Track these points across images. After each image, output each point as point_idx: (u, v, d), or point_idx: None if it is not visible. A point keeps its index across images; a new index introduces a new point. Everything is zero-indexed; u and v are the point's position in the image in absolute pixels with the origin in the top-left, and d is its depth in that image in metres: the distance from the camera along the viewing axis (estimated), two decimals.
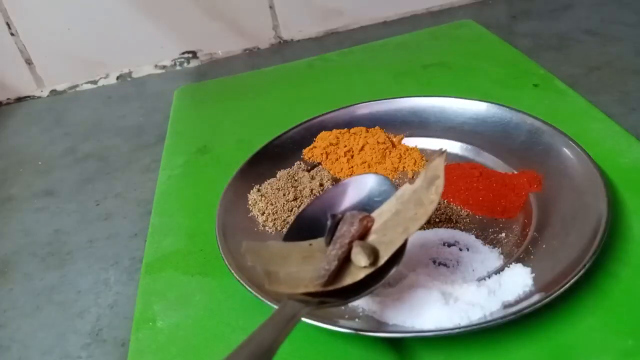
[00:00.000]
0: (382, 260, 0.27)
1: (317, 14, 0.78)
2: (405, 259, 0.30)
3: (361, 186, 0.33)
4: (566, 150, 0.39)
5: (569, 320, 0.29)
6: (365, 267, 0.27)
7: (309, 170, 0.44)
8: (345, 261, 0.28)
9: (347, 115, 0.49)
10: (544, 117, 0.43)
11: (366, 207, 0.31)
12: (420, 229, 0.34)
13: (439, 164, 0.28)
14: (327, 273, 0.27)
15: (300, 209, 0.39)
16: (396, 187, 0.31)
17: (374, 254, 0.27)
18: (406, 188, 0.29)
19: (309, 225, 0.31)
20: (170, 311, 0.35)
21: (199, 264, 0.38)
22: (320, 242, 0.30)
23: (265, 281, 0.27)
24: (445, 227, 0.37)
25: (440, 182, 0.28)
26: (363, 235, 0.29)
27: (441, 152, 0.28)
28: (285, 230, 0.39)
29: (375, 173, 0.34)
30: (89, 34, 0.73)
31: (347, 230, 0.29)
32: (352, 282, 0.27)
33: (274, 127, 0.48)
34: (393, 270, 0.27)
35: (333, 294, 0.27)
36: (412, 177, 0.43)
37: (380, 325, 0.29)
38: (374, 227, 0.29)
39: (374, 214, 0.30)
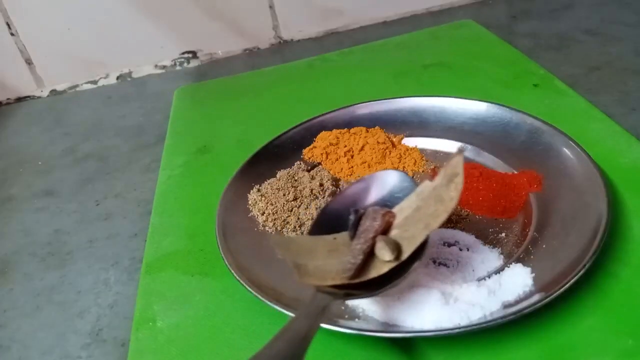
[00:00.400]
0: (405, 255, 0.28)
1: (317, 14, 0.78)
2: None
3: (382, 182, 0.34)
4: (566, 150, 0.39)
5: (569, 320, 0.29)
6: (389, 261, 0.28)
7: (309, 170, 0.44)
8: (369, 255, 0.29)
9: (347, 115, 0.49)
10: (544, 117, 0.43)
11: (387, 202, 0.32)
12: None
13: (458, 162, 0.29)
14: (353, 267, 0.28)
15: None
16: (416, 183, 0.32)
17: (397, 248, 0.28)
18: (426, 185, 0.30)
19: (333, 220, 0.32)
20: (170, 311, 0.35)
21: (199, 264, 0.38)
22: (344, 236, 0.31)
23: (296, 274, 0.28)
24: (445, 227, 0.37)
25: (459, 180, 0.28)
26: (385, 230, 0.30)
27: (460, 150, 0.29)
28: (286, 229, 0.39)
29: (397, 169, 0.35)
30: (89, 34, 0.73)
31: (370, 225, 0.30)
32: (377, 276, 0.28)
33: (274, 127, 0.48)
34: (415, 264, 0.28)
35: (358, 287, 0.28)
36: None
37: (380, 325, 0.29)
38: (395, 223, 0.30)
39: (395, 210, 0.31)
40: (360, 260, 0.28)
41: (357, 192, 0.34)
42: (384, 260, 0.28)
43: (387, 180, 0.34)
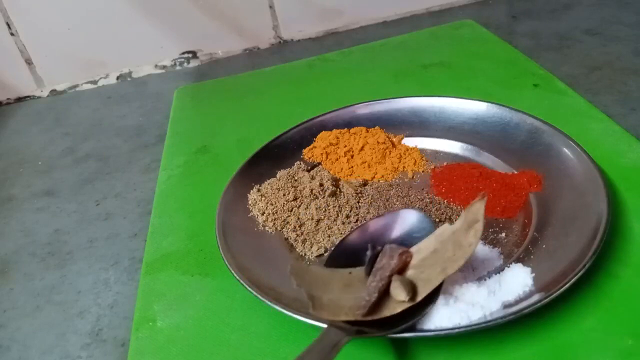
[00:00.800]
0: (420, 297, 0.28)
1: (317, 14, 0.78)
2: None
3: (402, 221, 0.34)
4: (566, 150, 0.39)
5: (569, 320, 0.29)
6: (403, 301, 0.28)
7: (309, 170, 0.44)
8: (384, 293, 0.29)
9: (347, 115, 0.49)
10: (544, 117, 0.43)
11: (405, 241, 0.32)
12: None
13: (479, 208, 0.29)
14: (368, 304, 0.28)
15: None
16: (436, 226, 0.32)
17: (412, 289, 0.28)
18: (445, 228, 0.30)
19: (350, 253, 0.32)
20: (170, 311, 0.35)
21: (199, 264, 0.38)
22: (359, 271, 0.31)
23: (310, 305, 0.28)
24: None
25: (479, 226, 0.28)
26: (402, 269, 0.30)
27: (482, 197, 0.29)
28: (286, 229, 0.39)
29: (417, 210, 0.35)
30: (89, 34, 0.73)
31: (386, 263, 0.29)
32: (390, 315, 0.28)
33: (274, 127, 0.48)
34: (429, 307, 0.28)
35: (370, 324, 0.28)
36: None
37: (380, 325, 0.29)
38: (412, 263, 0.30)
39: (412, 250, 0.31)
40: (375, 298, 0.28)
41: (376, 228, 0.34)
42: (399, 300, 0.28)
43: (407, 219, 0.33)
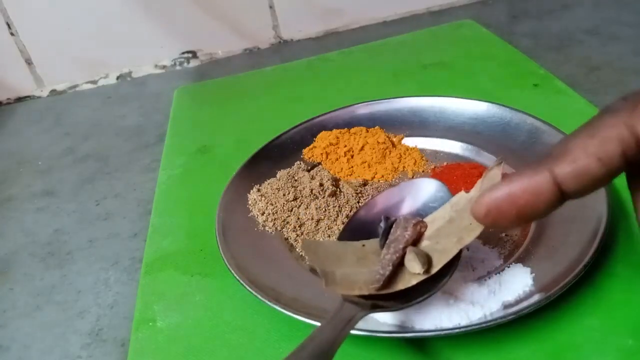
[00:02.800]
0: (435, 269, 0.27)
1: (317, 14, 0.78)
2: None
3: (417, 190, 0.33)
4: None
5: (569, 320, 0.29)
6: (418, 274, 0.27)
7: (309, 170, 0.44)
8: (398, 266, 0.28)
9: (347, 115, 0.49)
10: (544, 117, 0.43)
11: (420, 212, 0.31)
12: None
13: (495, 175, 0.27)
14: (382, 278, 0.27)
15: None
16: (452, 194, 0.31)
17: (427, 261, 0.27)
18: (461, 196, 0.29)
19: (363, 227, 0.32)
20: (170, 311, 0.35)
21: (199, 264, 0.38)
22: (373, 243, 0.30)
23: (324, 281, 0.27)
24: None
25: None
26: (416, 240, 0.29)
27: (499, 162, 0.28)
28: (286, 229, 0.39)
29: (434, 178, 0.33)
30: (89, 34, 0.73)
31: (400, 234, 0.29)
32: (404, 288, 0.27)
33: (274, 127, 0.48)
34: (446, 280, 0.27)
35: (385, 298, 0.27)
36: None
37: (381, 325, 0.29)
38: (427, 233, 0.29)
39: (427, 220, 0.30)
40: (389, 271, 0.27)
41: (389, 199, 0.33)
42: (414, 272, 0.27)
43: (422, 189, 0.32)
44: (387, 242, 0.29)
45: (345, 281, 0.27)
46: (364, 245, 0.30)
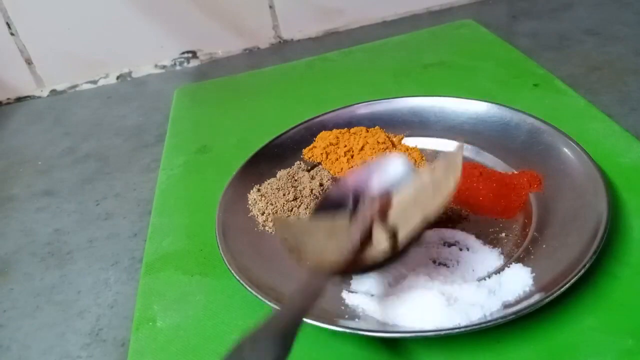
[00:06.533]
0: (401, 244, 0.29)
1: (317, 14, 0.78)
2: (405, 259, 0.30)
3: (383, 168, 0.34)
4: (566, 150, 0.39)
5: (569, 320, 0.29)
6: (384, 251, 0.29)
7: (309, 170, 0.44)
8: (366, 242, 0.29)
9: (347, 115, 0.49)
10: (544, 117, 0.43)
11: (387, 188, 0.33)
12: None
13: (457, 155, 0.29)
14: (351, 246, 0.28)
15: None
16: (415, 171, 0.33)
17: (393, 234, 0.29)
18: (425, 174, 0.31)
19: (334, 206, 0.33)
20: (170, 311, 0.35)
21: (199, 264, 0.38)
22: (342, 218, 0.31)
23: (295, 255, 0.29)
24: (445, 227, 0.37)
25: (458, 173, 0.29)
26: (382, 215, 0.30)
27: (460, 145, 0.30)
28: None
29: (398, 155, 0.35)
30: (89, 34, 0.73)
31: (367, 208, 0.30)
32: (373, 264, 0.29)
33: (274, 127, 0.48)
34: (410, 249, 0.29)
35: (353, 270, 0.29)
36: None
37: (380, 325, 0.29)
38: (392, 210, 0.31)
39: (393, 197, 0.31)
40: (357, 241, 0.29)
41: (358, 178, 0.34)
42: (381, 244, 0.29)
43: (387, 166, 0.34)
44: (355, 216, 0.30)
45: (315, 255, 0.29)
46: (333, 221, 0.31)
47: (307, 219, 0.32)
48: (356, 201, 0.31)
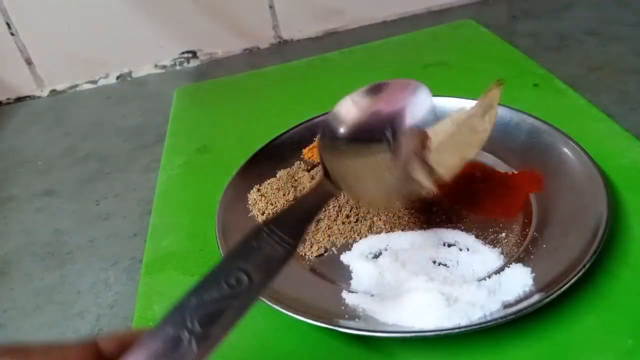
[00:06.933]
0: (444, 179, 0.29)
1: (317, 14, 0.78)
2: (405, 259, 0.30)
3: (410, 97, 0.33)
4: (566, 150, 0.39)
5: (569, 320, 0.29)
6: (428, 188, 0.29)
7: (309, 170, 0.44)
8: (408, 176, 0.29)
9: None
10: (544, 117, 0.43)
11: (421, 123, 0.32)
12: (419, 229, 0.34)
13: (495, 94, 0.29)
14: (393, 188, 0.29)
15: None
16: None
17: (432, 174, 0.29)
18: (462, 112, 0.31)
19: (367, 132, 0.32)
20: None
21: (199, 264, 0.38)
22: (382, 151, 0.31)
23: (360, 202, 0.29)
24: (445, 227, 0.37)
25: (493, 112, 0.29)
26: (421, 151, 0.30)
27: (499, 83, 0.30)
28: None
29: (417, 84, 0.34)
30: (89, 34, 0.73)
31: (408, 144, 0.30)
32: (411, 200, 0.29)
33: (274, 127, 0.48)
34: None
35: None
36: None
37: (380, 325, 0.29)
38: (430, 147, 0.30)
39: (429, 132, 0.31)
40: (400, 178, 0.28)
41: (391, 109, 0.33)
42: (422, 184, 0.29)
43: (415, 98, 0.33)
44: (396, 152, 0.30)
45: (358, 190, 0.29)
46: (374, 154, 0.30)
47: (347, 157, 0.31)
48: (393, 134, 0.30)
